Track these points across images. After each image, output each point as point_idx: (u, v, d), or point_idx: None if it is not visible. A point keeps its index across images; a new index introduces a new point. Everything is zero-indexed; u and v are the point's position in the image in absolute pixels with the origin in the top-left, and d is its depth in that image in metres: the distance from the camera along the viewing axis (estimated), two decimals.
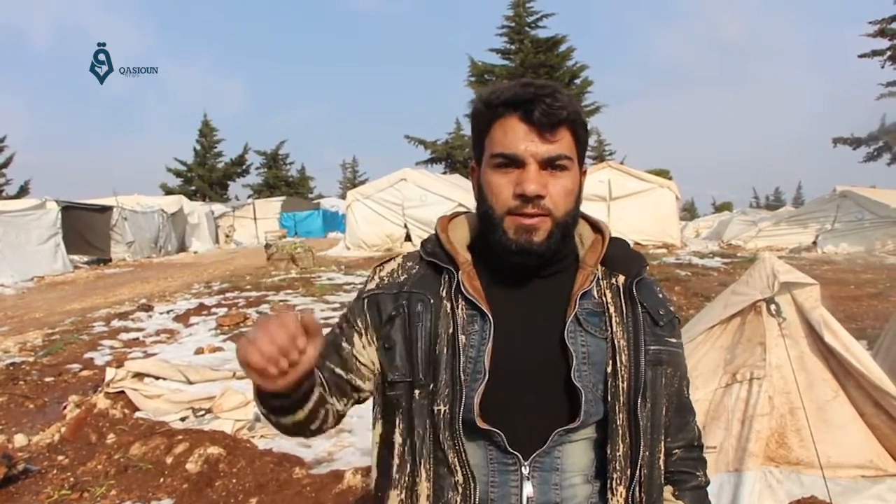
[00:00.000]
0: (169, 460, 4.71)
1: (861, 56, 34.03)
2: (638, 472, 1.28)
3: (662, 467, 1.35)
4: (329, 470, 4.49)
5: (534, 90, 1.25)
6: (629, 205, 20.86)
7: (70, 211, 21.12)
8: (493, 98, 1.29)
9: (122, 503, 4.26)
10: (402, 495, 1.29)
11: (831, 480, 3.36)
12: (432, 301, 1.31)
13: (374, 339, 1.35)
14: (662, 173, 29.79)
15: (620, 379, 1.28)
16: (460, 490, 1.25)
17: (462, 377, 1.24)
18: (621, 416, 1.27)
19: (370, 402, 1.43)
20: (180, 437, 4.99)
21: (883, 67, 33.51)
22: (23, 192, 39.63)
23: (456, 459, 1.24)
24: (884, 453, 3.57)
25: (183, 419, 5.58)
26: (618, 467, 1.27)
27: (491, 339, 1.26)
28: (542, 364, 1.28)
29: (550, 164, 1.26)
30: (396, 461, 1.31)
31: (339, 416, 1.39)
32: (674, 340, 1.38)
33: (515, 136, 1.25)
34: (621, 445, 1.27)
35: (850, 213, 21.88)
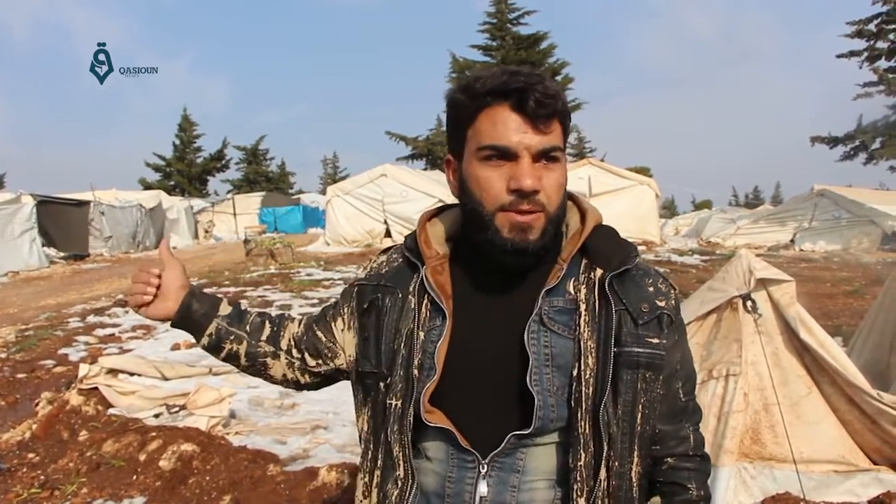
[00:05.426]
0: (142, 457, 4.64)
1: (839, 56, 34.35)
2: (600, 483, 1.19)
3: (637, 479, 1.25)
4: (304, 467, 4.44)
5: (524, 79, 1.18)
6: (609, 202, 20.84)
7: (46, 205, 20.85)
8: (478, 87, 1.21)
9: (93, 501, 4.19)
10: (366, 479, 1.36)
11: (804, 475, 3.38)
12: (400, 295, 1.33)
13: (354, 325, 1.40)
14: (643, 171, 29.96)
15: (585, 384, 1.19)
16: (399, 485, 1.28)
17: (415, 373, 1.25)
18: (584, 423, 1.19)
19: (348, 398, 1.45)
20: (154, 434, 4.92)
21: (860, 68, 33.85)
22: None
23: (400, 454, 1.27)
24: (856, 449, 3.60)
25: (157, 416, 5.50)
26: (579, 477, 1.19)
27: (448, 336, 1.25)
28: (499, 365, 1.23)
29: (544, 157, 1.20)
30: (363, 447, 1.38)
31: (310, 372, 1.49)
32: (656, 341, 1.24)
33: (506, 127, 1.18)
34: (583, 454, 1.19)
35: (827, 211, 22.17)
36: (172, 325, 1.47)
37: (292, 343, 1.49)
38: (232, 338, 1.47)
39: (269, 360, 1.49)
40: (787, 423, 3.45)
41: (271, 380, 1.54)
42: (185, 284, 1.47)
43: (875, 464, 3.60)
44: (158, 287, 1.45)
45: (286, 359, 1.49)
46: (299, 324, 1.53)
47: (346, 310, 1.43)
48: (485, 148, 1.20)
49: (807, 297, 6.99)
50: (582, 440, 1.19)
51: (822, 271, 14.84)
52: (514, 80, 1.18)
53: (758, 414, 3.57)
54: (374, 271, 1.42)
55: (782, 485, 3.47)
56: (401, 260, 1.39)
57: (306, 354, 1.48)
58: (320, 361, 1.47)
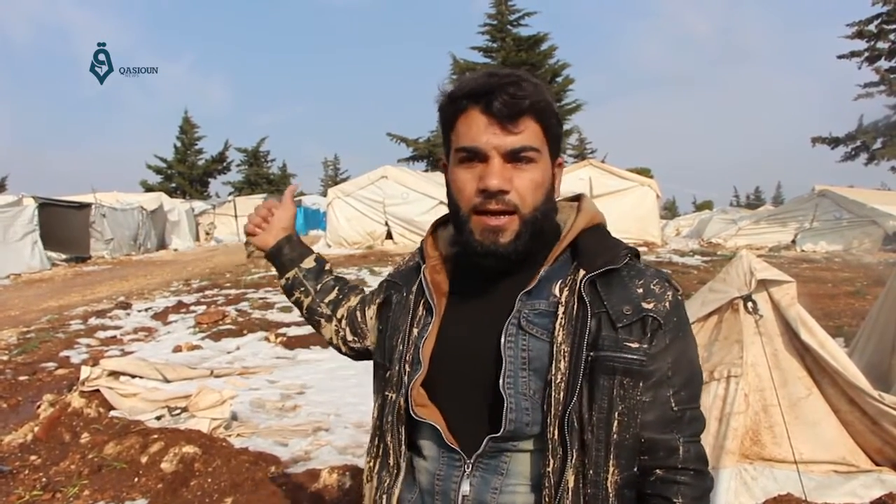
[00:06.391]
0: (144, 460, 4.65)
1: (840, 57, 34.29)
2: (567, 490, 1.16)
3: (615, 489, 1.18)
4: (305, 469, 4.45)
5: (496, 80, 1.20)
6: (610, 203, 20.76)
7: (48, 208, 20.86)
8: (455, 91, 1.25)
9: (95, 503, 4.20)
10: (370, 464, 1.43)
11: (804, 476, 3.38)
12: (404, 293, 1.40)
13: (376, 316, 1.53)
14: (644, 172, 29.91)
15: (556, 388, 1.17)
16: (391, 472, 1.34)
17: (406, 367, 1.30)
18: (553, 428, 1.17)
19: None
20: (155, 436, 4.92)
21: (860, 68, 33.77)
22: None
23: (393, 444, 1.33)
24: (857, 450, 3.60)
25: (158, 418, 5.51)
26: (547, 483, 1.17)
27: (434, 333, 1.30)
28: (478, 366, 1.24)
29: (515, 157, 1.20)
30: (370, 434, 1.45)
31: (348, 345, 1.66)
32: (636, 345, 1.18)
33: (477, 128, 1.20)
34: (552, 460, 1.17)
35: (828, 212, 22.15)
36: (265, 257, 1.73)
37: (344, 314, 1.66)
38: (302, 289, 1.68)
39: (323, 321, 1.68)
40: (786, 424, 3.45)
41: (323, 337, 1.72)
42: (288, 228, 1.72)
43: (877, 465, 3.60)
44: (269, 223, 1.71)
45: (335, 326, 1.66)
46: (358, 298, 1.68)
47: (376, 300, 1.55)
48: (459, 150, 1.23)
49: (808, 297, 6.98)
50: (551, 445, 1.17)
51: (823, 272, 14.83)
52: (487, 82, 1.20)
53: (757, 415, 3.57)
54: (396, 269, 1.52)
55: (783, 485, 3.46)
56: (414, 261, 1.46)
57: (348, 329, 1.64)
58: (355, 338, 1.63)
